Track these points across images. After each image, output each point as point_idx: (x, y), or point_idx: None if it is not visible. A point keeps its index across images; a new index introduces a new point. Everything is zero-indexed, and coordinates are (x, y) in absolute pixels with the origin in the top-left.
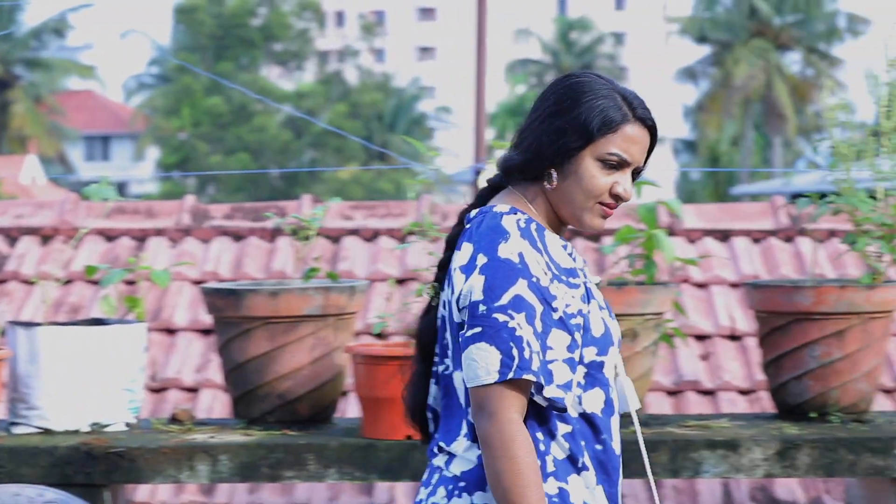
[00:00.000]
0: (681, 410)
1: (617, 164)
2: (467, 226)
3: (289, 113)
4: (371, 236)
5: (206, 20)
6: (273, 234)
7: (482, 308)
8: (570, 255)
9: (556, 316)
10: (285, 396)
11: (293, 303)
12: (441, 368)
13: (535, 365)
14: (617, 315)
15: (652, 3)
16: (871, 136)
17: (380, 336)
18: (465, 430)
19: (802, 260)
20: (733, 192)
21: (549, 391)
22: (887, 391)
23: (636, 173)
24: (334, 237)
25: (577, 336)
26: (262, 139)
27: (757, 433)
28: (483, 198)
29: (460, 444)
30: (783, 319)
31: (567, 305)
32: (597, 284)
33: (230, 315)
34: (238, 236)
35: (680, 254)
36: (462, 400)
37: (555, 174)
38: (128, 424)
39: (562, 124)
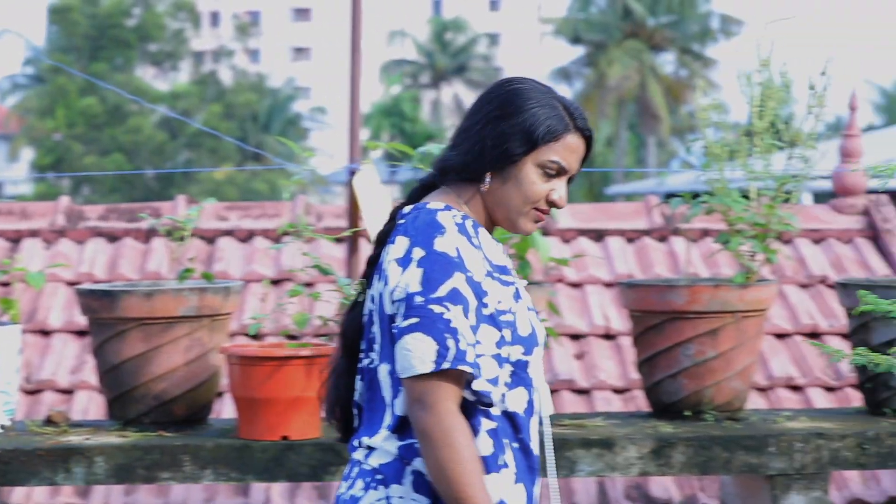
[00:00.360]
0: (556, 409)
1: (556, 173)
2: (400, 221)
3: (164, 114)
4: (246, 237)
5: (81, 20)
6: (148, 235)
7: (419, 299)
8: (503, 254)
9: (487, 312)
10: (161, 397)
11: (168, 304)
12: (366, 363)
13: (471, 357)
14: None
15: (526, 4)
16: (743, 136)
17: (255, 337)
18: (386, 422)
19: (676, 259)
20: (608, 192)
21: (478, 384)
22: (761, 389)
23: (569, 180)
24: (209, 238)
25: (507, 333)
26: (136, 140)
27: (632, 432)
28: (415, 196)
29: (380, 437)
30: (657, 318)
31: (499, 302)
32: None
33: (105, 316)
34: (113, 237)
35: (554, 254)
36: (386, 393)
37: (489, 178)
38: (2, 426)
39: (506, 129)
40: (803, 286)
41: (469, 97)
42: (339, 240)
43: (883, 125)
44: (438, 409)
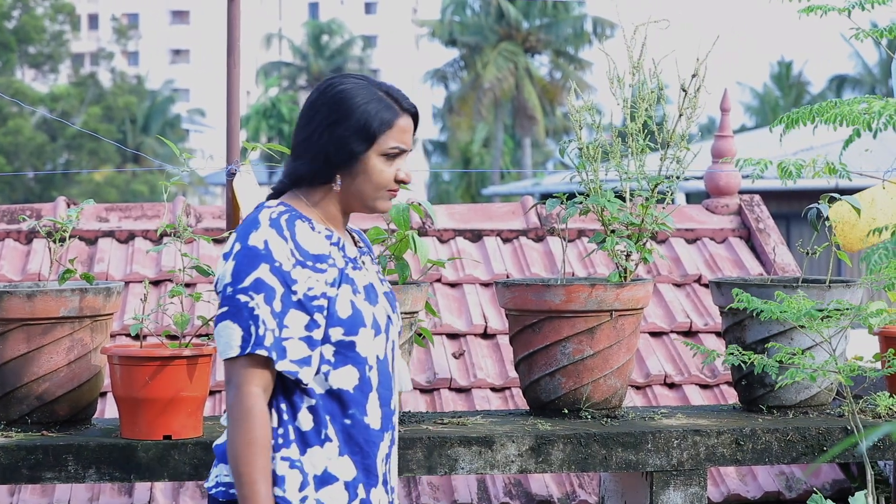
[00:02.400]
0: (436, 408)
1: (397, 154)
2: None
3: (43, 115)
4: (126, 238)
5: None
6: (28, 236)
7: (229, 290)
8: (340, 245)
9: (295, 298)
10: (43, 398)
11: (49, 304)
12: None
13: (269, 342)
14: None
15: (401, 7)
16: (617, 138)
17: (136, 337)
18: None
19: (552, 259)
20: (485, 193)
21: (282, 365)
22: (638, 387)
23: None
24: (90, 239)
25: (318, 317)
26: (16, 141)
27: (511, 429)
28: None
29: (223, 418)
30: (534, 317)
31: (309, 289)
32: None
33: None
34: None
35: (431, 254)
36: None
37: (339, 179)
38: None
39: (343, 132)
40: (678, 285)
41: None
42: (218, 241)
43: (755, 126)
44: (241, 391)
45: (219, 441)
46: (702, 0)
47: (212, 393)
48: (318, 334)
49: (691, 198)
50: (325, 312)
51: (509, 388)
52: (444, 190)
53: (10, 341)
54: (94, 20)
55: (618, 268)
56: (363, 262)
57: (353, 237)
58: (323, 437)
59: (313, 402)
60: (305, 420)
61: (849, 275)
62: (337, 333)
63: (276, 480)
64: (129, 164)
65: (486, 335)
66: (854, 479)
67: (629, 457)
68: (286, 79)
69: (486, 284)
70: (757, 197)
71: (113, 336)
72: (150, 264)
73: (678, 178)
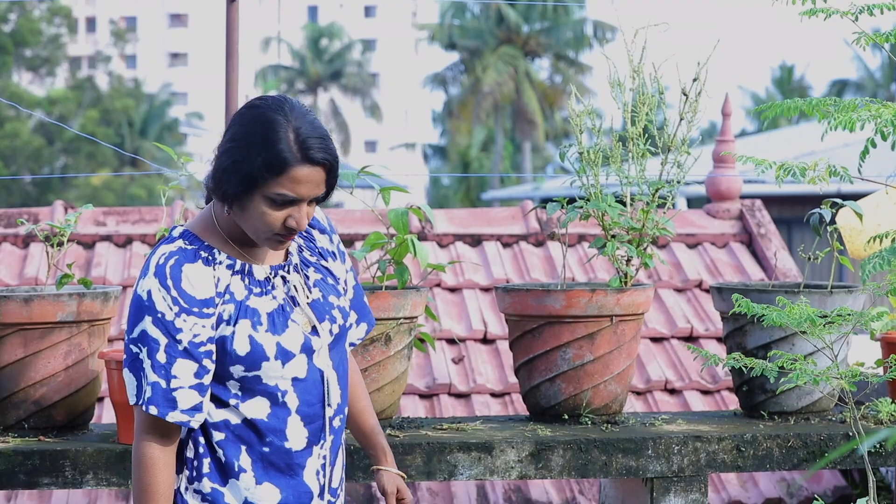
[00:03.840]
0: (435, 413)
1: (287, 202)
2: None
3: (40, 119)
4: (124, 242)
5: None
6: (26, 241)
7: (126, 337)
8: (244, 272)
9: (180, 347)
10: (41, 403)
11: (47, 309)
12: None
13: (150, 396)
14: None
15: (401, 11)
16: (617, 142)
17: None
18: None
19: (552, 264)
20: (484, 197)
21: (172, 417)
22: (638, 393)
23: (319, 200)
24: (87, 243)
25: (207, 362)
26: (14, 145)
27: (510, 435)
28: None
29: None
30: (534, 323)
31: (195, 335)
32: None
33: None
34: None
35: (431, 259)
36: None
37: (226, 207)
38: None
39: (230, 165)
40: (679, 290)
41: (345, 103)
42: None
43: (755, 131)
44: (137, 438)
45: None
46: (703, 4)
47: None
48: (207, 379)
49: (692, 202)
50: (213, 357)
51: (509, 393)
52: (443, 194)
53: (7, 346)
54: (91, 23)
55: (618, 273)
56: (279, 279)
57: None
58: (237, 468)
59: (222, 435)
60: (220, 452)
61: (851, 280)
62: (238, 371)
63: None
64: (126, 168)
65: (485, 340)
66: (856, 485)
67: (629, 463)
68: (285, 82)
69: (485, 289)
70: (758, 202)
71: (110, 341)
72: None
73: (679, 182)
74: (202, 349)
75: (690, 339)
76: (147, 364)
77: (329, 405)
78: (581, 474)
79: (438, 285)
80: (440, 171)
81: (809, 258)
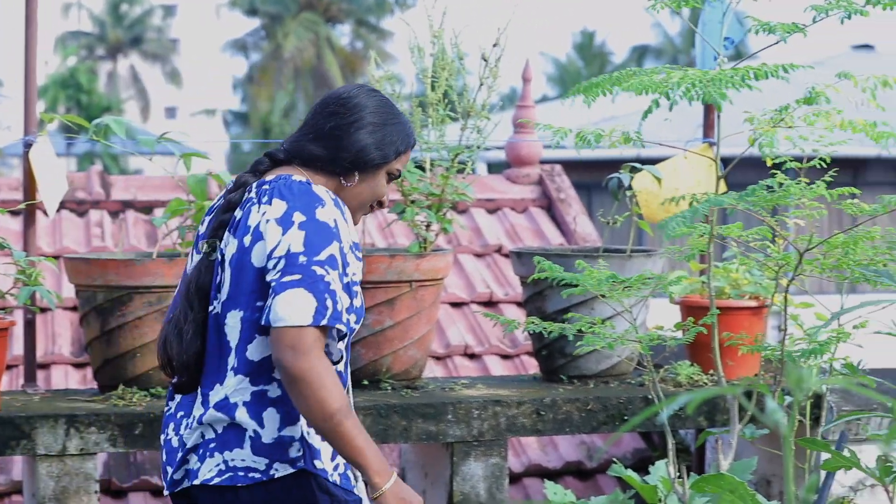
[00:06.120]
0: None
1: (394, 178)
2: (264, 187)
3: None
4: None
5: None
6: None
7: (302, 259)
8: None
9: (345, 280)
10: None
11: None
12: (211, 311)
13: (345, 317)
14: (169, 287)
15: None
16: (417, 108)
17: None
18: (232, 364)
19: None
20: None
21: (341, 343)
22: (438, 358)
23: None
24: None
25: (355, 301)
26: None
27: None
28: (262, 170)
29: (230, 382)
30: None
31: (353, 274)
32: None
33: None
34: None
35: None
36: (232, 338)
37: (357, 176)
38: None
39: (379, 138)
40: (479, 255)
41: (145, 69)
42: (14, 212)
43: (557, 97)
44: (312, 356)
45: (223, 422)
46: None
47: (8, 367)
48: (352, 319)
49: (493, 168)
50: (355, 298)
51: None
52: (244, 161)
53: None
54: None
55: (418, 238)
56: None
57: None
58: None
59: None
60: None
61: (650, 245)
62: (352, 320)
63: (314, 453)
64: None
65: None
66: (655, 447)
67: (429, 428)
68: (85, 49)
69: None
70: (558, 167)
71: None
72: None
73: (479, 147)
74: (354, 288)
75: (490, 303)
76: (337, 286)
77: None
78: (382, 440)
79: None
80: (241, 137)
81: (609, 223)
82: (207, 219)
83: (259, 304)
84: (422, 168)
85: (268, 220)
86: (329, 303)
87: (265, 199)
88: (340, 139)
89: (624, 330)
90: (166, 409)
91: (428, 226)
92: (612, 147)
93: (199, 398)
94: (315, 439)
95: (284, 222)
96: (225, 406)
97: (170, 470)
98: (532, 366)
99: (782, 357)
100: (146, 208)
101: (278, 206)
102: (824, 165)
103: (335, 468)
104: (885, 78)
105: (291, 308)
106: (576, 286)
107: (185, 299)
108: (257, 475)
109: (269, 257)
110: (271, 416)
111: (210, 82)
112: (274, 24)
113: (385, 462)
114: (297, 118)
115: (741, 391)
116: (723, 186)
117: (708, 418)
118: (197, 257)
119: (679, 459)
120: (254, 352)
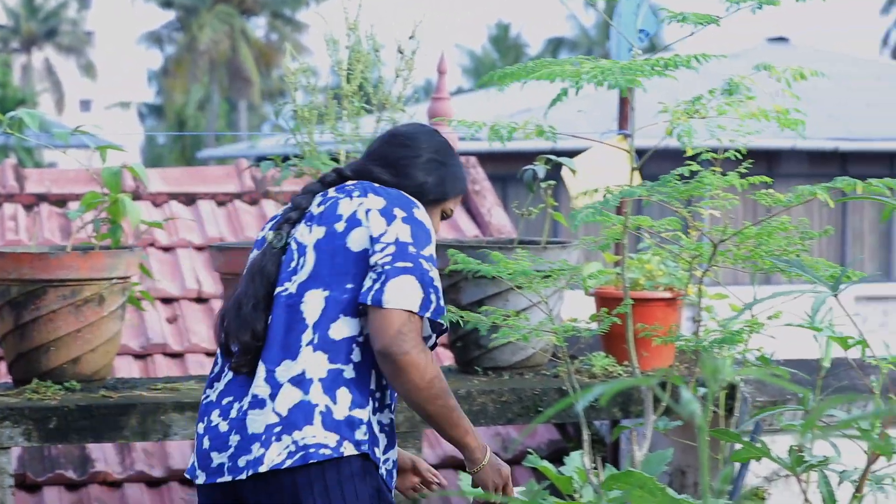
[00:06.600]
0: (149, 374)
1: (445, 218)
2: (348, 187)
3: None
4: None
5: None
6: None
7: (412, 249)
8: None
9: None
10: None
11: None
12: (282, 293)
13: (435, 307)
14: (83, 280)
15: None
16: (332, 100)
17: None
18: (307, 339)
19: (266, 222)
20: (200, 156)
21: (429, 340)
22: None
23: None
24: None
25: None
26: None
27: None
28: (329, 182)
29: (305, 356)
30: None
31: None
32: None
33: None
34: None
35: (145, 217)
36: (310, 316)
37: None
38: None
39: (440, 177)
40: None
41: (59, 61)
42: None
43: (471, 89)
44: (418, 340)
45: (293, 399)
46: None
47: None
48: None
49: None
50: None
51: None
52: (159, 154)
53: None
54: None
55: None
56: None
57: None
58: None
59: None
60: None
61: (565, 237)
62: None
63: (375, 441)
64: None
65: (199, 299)
66: (570, 439)
67: None
68: None
69: (199, 248)
70: (472, 159)
71: None
72: None
73: None
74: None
75: None
76: (439, 284)
77: None
78: None
79: (152, 244)
80: (156, 130)
81: (523, 214)
82: (271, 223)
83: (349, 286)
84: (336, 160)
85: (367, 210)
86: (434, 297)
87: (357, 193)
88: (407, 169)
89: (539, 321)
90: (204, 398)
91: None
92: (527, 139)
93: (262, 375)
94: (377, 428)
95: (387, 214)
96: (301, 381)
97: (215, 456)
98: (447, 357)
99: (697, 348)
100: (60, 201)
101: (376, 200)
102: (740, 157)
103: (385, 462)
104: (800, 69)
105: (403, 293)
106: (492, 278)
107: (249, 282)
108: (328, 451)
109: (376, 241)
110: (344, 394)
111: (125, 75)
112: (189, 16)
113: (481, 439)
114: (213, 111)
115: (655, 382)
116: (638, 178)
117: (623, 409)
118: (258, 252)
119: (594, 451)
120: (336, 331)
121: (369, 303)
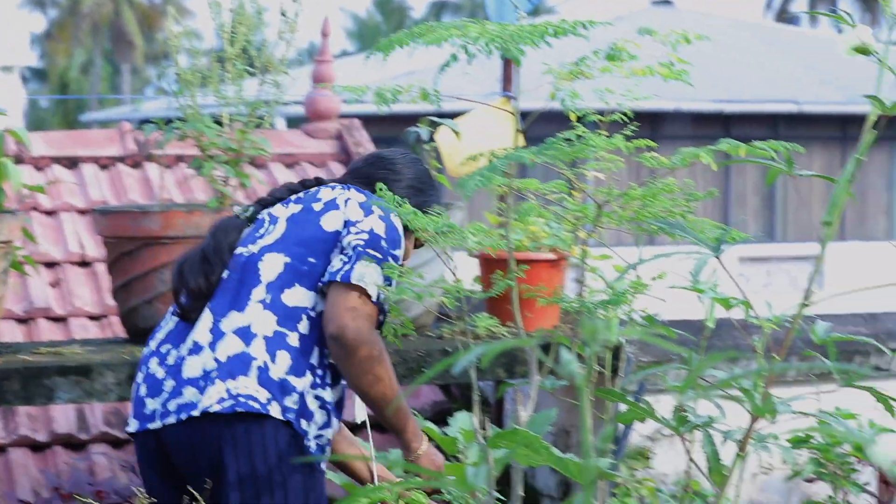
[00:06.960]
0: (32, 338)
1: (418, 247)
2: (332, 183)
3: None
4: None
5: None
6: None
7: (384, 244)
8: None
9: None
10: None
11: None
12: (242, 252)
13: (386, 308)
14: None
15: None
16: (215, 63)
17: None
18: (258, 297)
19: (150, 185)
20: (83, 120)
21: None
22: None
23: None
24: None
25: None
26: None
27: (109, 358)
28: (309, 185)
29: (252, 312)
30: (132, 245)
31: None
32: None
33: None
34: None
35: (28, 181)
36: (266, 275)
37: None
38: None
39: (417, 202)
40: None
41: None
42: None
43: (356, 51)
44: (369, 322)
45: (235, 349)
46: None
47: None
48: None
49: (292, 123)
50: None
51: (107, 316)
52: (42, 117)
53: None
54: None
55: (216, 194)
56: None
57: None
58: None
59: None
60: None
61: (450, 198)
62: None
63: (307, 415)
64: None
65: (83, 263)
66: (454, 399)
67: None
68: None
69: (82, 212)
70: (356, 121)
71: None
72: None
73: (277, 102)
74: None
75: None
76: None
77: None
78: None
79: (35, 209)
80: (39, 93)
81: None
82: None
83: (312, 260)
84: (219, 123)
85: (347, 199)
86: (387, 290)
87: (340, 187)
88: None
89: (432, 280)
90: (145, 349)
91: (226, 181)
92: (412, 103)
93: (208, 325)
94: (313, 404)
95: (366, 208)
96: (245, 334)
97: (149, 402)
98: None
99: (581, 309)
100: None
101: (358, 196)
102: (626, 119)
103: (316, 437)
104: (685, 33)
105: (368, 277)
106: None
107: (210, 238)
108: (257, 405)
109: (351, 224)
110: (284, 357)
111: (7, 39)
112: None
113: (419, 428)
114: (96, 74)
115: (537, 343)
116: (522, 140)
117: (507, 370)
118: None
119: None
120: (290, 297)
121: (338, 279)
